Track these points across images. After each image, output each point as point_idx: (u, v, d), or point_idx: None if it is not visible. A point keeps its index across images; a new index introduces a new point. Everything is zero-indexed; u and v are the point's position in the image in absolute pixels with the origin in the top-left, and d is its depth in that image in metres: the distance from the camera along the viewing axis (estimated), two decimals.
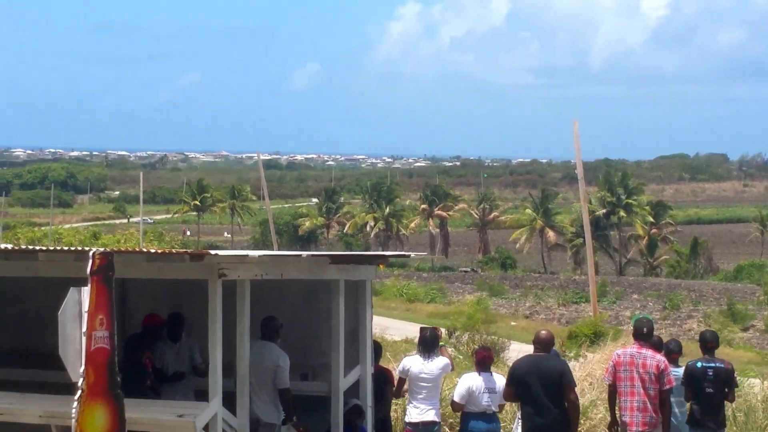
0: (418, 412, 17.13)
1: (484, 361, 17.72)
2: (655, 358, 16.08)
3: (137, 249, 21.23)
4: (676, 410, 17.05)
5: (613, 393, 16.35)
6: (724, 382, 16.62)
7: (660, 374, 15.93)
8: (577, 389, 17.32)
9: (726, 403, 17.17)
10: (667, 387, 16.08)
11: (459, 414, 17.95)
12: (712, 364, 16.66)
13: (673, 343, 18.51)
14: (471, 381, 16.94)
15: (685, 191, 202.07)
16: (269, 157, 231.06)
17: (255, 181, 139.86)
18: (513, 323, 69.01)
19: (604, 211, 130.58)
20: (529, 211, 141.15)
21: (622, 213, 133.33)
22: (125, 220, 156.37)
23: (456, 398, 17.02)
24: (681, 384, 16.94)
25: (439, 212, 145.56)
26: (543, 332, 17.51)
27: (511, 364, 17.39)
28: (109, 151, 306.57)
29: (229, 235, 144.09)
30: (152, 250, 17.93)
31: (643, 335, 16.69)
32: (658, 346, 16.99)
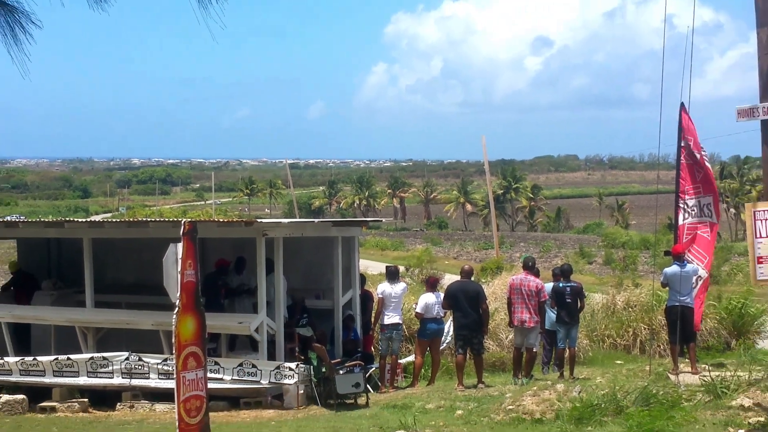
0: (388, 317, 17.62)
1: (434, 284, 18.00)
2: (535, 281, 16.87)
3: (212, 219, 21.24)
4: (551, 313, 16.92)
5: (510, 304, 16.28)
6: (577, 295, 17.16)
7: (538, 291, 16.65)
8: (488, 302, 17.10)
9: (579, 308, 16.81)
10: (544, 299, 16.13)
11: (418, 320, 17.54)
12: (570, 284, 17.26)
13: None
14: (427, 298, 17.68)
15: (551, 178, 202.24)
16: (293, 161, 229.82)
17: (284, 177, 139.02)
18: (446, 262, 68.52)
19: (502, 191, 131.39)
20: (455, 192, 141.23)
21: (512, 193, 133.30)
22: (203, 203, 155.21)
23: (418, 310, 17.79)
24: (551, 297, 16.67)
25: (400, 194, 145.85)
26: (466, 267, 18.26)
27: (446, 287, 17.24)
28: (192, 159, 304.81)
29: (269, 211, 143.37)
30: (220, 220, 18.29)
31: (528, 267, 17.71)
32: (537, 273, 17.13)
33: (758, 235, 12.14)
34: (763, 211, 12.14)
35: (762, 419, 12.40)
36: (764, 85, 12.11)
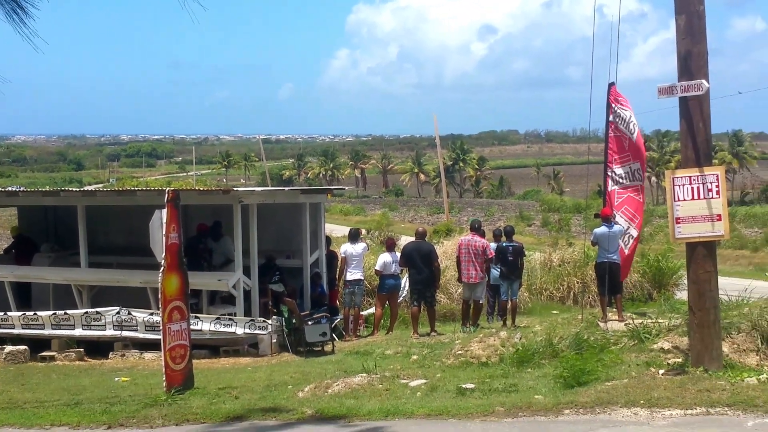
0: (351, 274, 17.63)
1: (391, 245, 17.96)
2: (481, 241, 16.99)
3: (193, 188, 21.10)
4: (494, 271, 16.97)
5: (459, 262, 16.30)
6: (519, 254, 17.29)
7: (484, 250, 16.77)
8: (439, 260, 17.15)
9: (519, 264, 16.91)
10: (489, 257, 16.11)
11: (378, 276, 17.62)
12: (511, 244, 17.39)
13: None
14: (385, 257, 17.80)
15: (495, 151, 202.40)
16: (265, 137, 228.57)
17: (257, 151, 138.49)
18: (402, 225, 68.68)
19: (451, 162, 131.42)
20: (410, 163, 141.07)
21: (461, 164, 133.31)
22: (185, 174, 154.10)
23: (377, 268, 17.88)
24: (495, 255, 16.77)
25: (360, 165, 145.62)
26: (419, 229, 18.20)
27: (402, 247, 17.28)
28: (175, 135, 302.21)
29: (243, 181, 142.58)
30: (201, 189, 18.14)
31: (475, 229, 17.70)
32: (483, 234, 17.08)
33: (676, 199, 12.24)
34: (681, 177, 12.23)
35: (679, 360, 12.54)
36: (681, 66, 12.17)
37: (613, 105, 16.88)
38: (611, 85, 16.89)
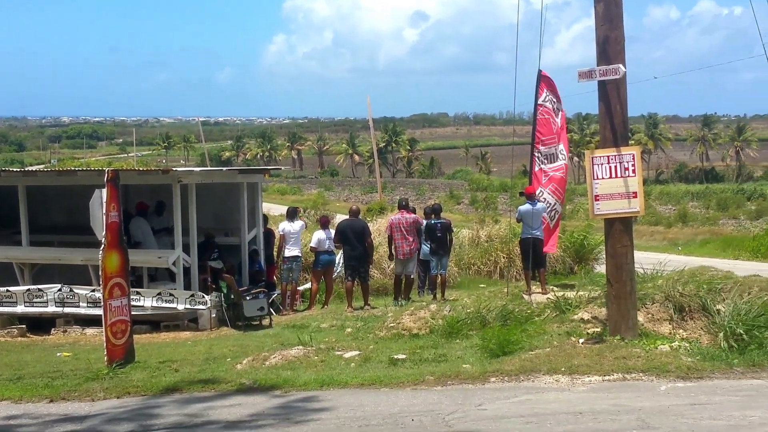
0: (288, 251, 17.70)
1: (326, 223, 17.99)
2: (411, 217, 17.42)
3: (133, 168, 20.79)
4: (425, 247, 17.04)
5: (390, 239, 16.45)
6: (446, 230, 17.43)
7: (414, 222, 17.30)
8: (372, 237, 17.21)
9: (448, 240, 16.98)
10: (421, 226, 16.69)
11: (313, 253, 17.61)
12: (440, 221, 17.44)
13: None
14: (320, 235, 17.79)
15: (426, 133, 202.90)
16: (204, 119, 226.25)
17: (197, 132, 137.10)
18: (337, 204, 68.59)
19: (384, 144, 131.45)
20: (344, 145, 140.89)
21: (393, 145, 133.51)
22: (125, 155, 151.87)
23: (313, 244, 17.97)
24: (425, 231, 16.91)
25: (297, 147, 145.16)
26: (353, 207, 18.25)
27: (337, 224, 17.27)
28: (115, 117, 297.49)
29: (183, 162, 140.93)
30: (141, 169, 17.78)
31: (403, 207, 18.08)
32: (413, 211, 17.05)
33: (595, 177, 12.39)
34: (600, 157, 12.40)
35: (598, 329, 12.73)
36: (600, 51, 12.30)
37: (544, 89, 17.03)
38: (541, 71, 17.02)
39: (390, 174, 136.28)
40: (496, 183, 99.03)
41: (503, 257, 22.95)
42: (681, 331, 12.65)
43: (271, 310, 17.56)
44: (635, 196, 12.28)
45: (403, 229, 17.78)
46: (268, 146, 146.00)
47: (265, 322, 16.95)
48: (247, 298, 16.89)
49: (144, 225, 17.89)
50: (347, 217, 18.65)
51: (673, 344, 11.83)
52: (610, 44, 12.17)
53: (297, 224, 19.03)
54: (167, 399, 10.55)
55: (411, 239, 17.77)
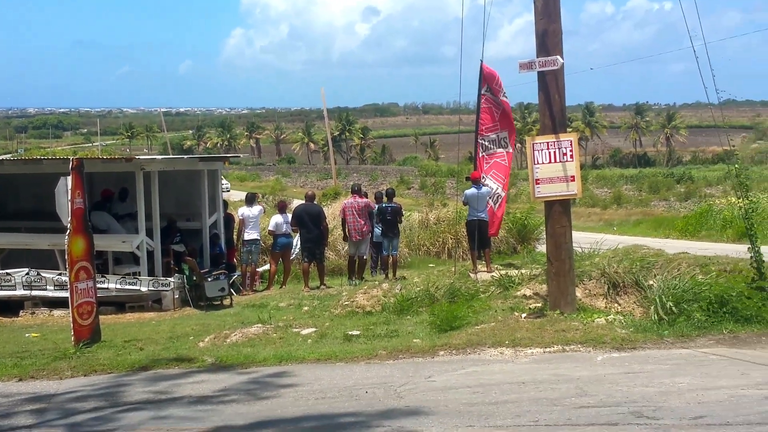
0: (248, 234, 17.75)
1: (283, 207, 17.96)
2: (363, 201, 17.65)
3: (97, 157, 20.52)
4: (377, 229, 17.05)
5: (344, 222, 16.48)
6: (397, 214, 17.56)
7: (366, 206, 17.18)
8: (327, 220, 17.22)
9: (399, 223, 17.06)
10: (372, 209, 17.54)
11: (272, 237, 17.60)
12: (391, 205, 17.43)
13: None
14: (277, 219, 17.87)
15: (377, 122, 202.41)
16: (166, 110, 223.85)
17: (159, 123, 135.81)
18: (294, 190, 68.43)
19: (338, 133, 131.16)
20: (301, 134, 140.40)
21: (347, 134, 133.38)
22: (90, 145, 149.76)
23: (271, 228, 18.02)
24: (377, 214, 16.95)
25: (255, 136, 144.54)
26: (309, 192, 18.24)
27: (294, 209, 17.24)
28: (80, 108, 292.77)
29: (146, 151, 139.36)
30: (105, 157, 17.53)
31: (355, 192, 18.17)
32: (365, 195, 17.17)
33: (536, 162, 12.49)
34: (540, 143, 12.49)
35: (539, 305, 12.86)
36: (539, 44, 12.38)
37: (488, 80, 17.09)
38: (483, 62, 17.07)
39: (344, 161, 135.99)
40: (444, 169, 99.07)
41: (451, 238, 23.01)
42: (616, 305, 12.84)
43: (232, 290, 17.48)
44: (573, 180, 12.40)
45: (355, 212, 17.80)
46: (228, 135, 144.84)
47: (226, 302, 16.87)
48: (209, 279, 16.80)
49: (106, 217, 17.64)
50: (303, 202, 18.63)
51: (608, 318, 12.01)
52: (548, 37, 12.26)
53: (256, 209, 19.00)
54: (134, 377, 10.48)
55: (362, 222, 17.78)
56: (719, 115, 13.91)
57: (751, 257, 12.64)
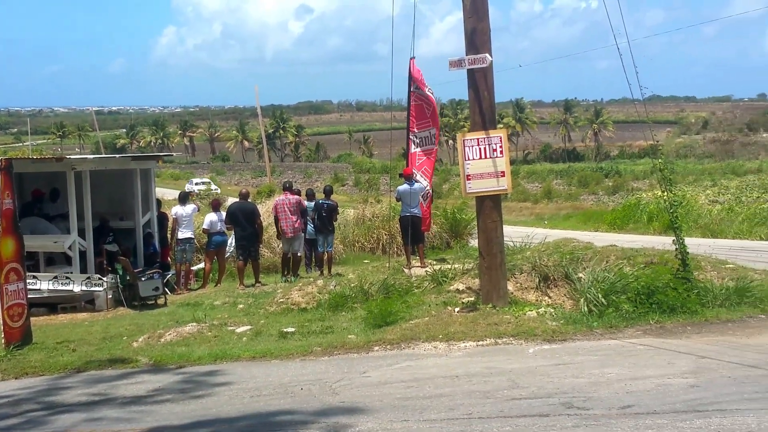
0: (182, 233, 17.58)
1: (217, 205, 17.81)
2: (294, 198, 17.83)
3: (27, 157, 20.03)
4: (310, 226, 16.98)
5: (276, 219, 16.37)
6: (333, 211, 17.65)
7: (297, 203, 17.23)
8: (261, 218, 17.09)
9: (334, 220, 17.08)
10: (304, 207, 17.47)
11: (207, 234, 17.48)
12: (327, 202, 17.49)
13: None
14: (211, 217, 17.76)
15: (311, 119, 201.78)
16: (98, 108, 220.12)
17: (91, 122, 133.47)
18: (229, 188, 67.81)
19: (272, 130, 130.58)
20: (235, 132, 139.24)
21: (281, 131, 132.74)
22: (20, 144, 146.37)
23: (205, 226, 17.91)
24: (313, 211, 16.89)
25: (189, 134, 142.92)
26: (242, 190, 18.20)
27: (228, 207, 17.12)
28: (9, 108, 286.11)
29: (78, 150, 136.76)
30: (35, 157, 17.15)
31: (287, 189, 18.24)
32: (297, 193, 17.23)
33: (467, 158, 12.57)
34: (470, 139, 12.57)
35: (472, 299, 12.94)
36: (468, 42, 12.45)
37: (416, 77, 17.15)
38: (411, 60, 17.11)
39: (279, 158, 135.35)
40: (378, 165, 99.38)
41: (385, 234, 23.06)
42: (547, 298, 12.99)
43: (166, 289, 17.29)
44: (503, 175, 12.51)
45: (287, 209, 17.76)
46: (161, 134, 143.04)
47: (161, 301, 16.66)
48: (142, 278, 16.57)
49: (36, 221, 17.28)
50: (237, 200, 18.51)
51: (539, 310, 12.14)
52: (477, 35, 12.33)
53: (189, 207, 18.79)
54: (67, 379, 10.29)
55: (294, 219, 17.72)
56: (643, 111, 14.14)
57: (676, 249, 12.90)
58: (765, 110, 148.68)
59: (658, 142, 15.51)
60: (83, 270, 16.79)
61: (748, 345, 10.21)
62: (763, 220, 28.84)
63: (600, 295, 12.16)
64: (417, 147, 17.44)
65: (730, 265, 14.91)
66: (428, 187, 17.59)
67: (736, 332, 11.06)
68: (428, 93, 17.14)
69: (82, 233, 16.94)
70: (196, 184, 67.00)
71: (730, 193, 49.40)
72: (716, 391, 7.96)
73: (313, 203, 18.83)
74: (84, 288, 16.23)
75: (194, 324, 13.23)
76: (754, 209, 32.07)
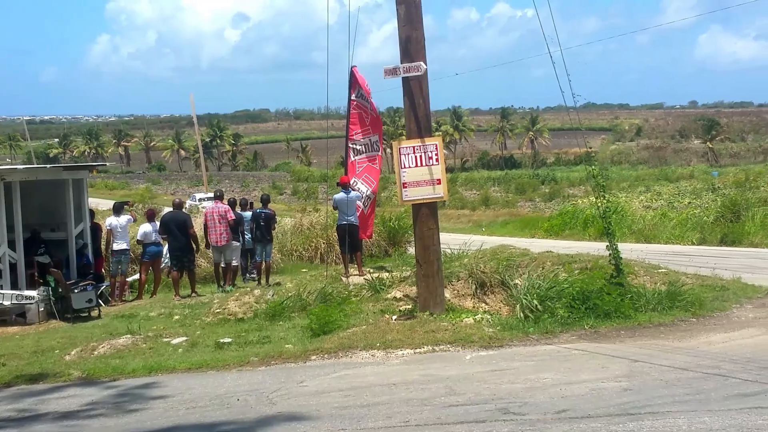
0: (117, 244, 17.32)
1: (151, 215, 17.54)
2: (223, 207, 18.15)
3: None
4: (247, 235, 16.93)
5: (206, 228, 16.31)
6: (271, 220, 17.62)
7: (225, 213, 17.12)
8: (194, 228, 16.95)
9: (271, 229, 17.06)
10: (231, 219, 17.45)
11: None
12: (264, 211, 17.46)
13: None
14: (146, 227, 17.76)
15: (249, 128, 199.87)
16: (29, 118, 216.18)
17: (22, 131, 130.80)
18: (165, 197, 67.06)
19: (209, 139, 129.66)
20: (171, 141, 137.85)
21: (218, 140, 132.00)
22: None
23: (139, 237, 17.98)
24: (251, 220, 16.83)
25: (124, 143, 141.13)
26: (176, 200, 18.39)
27: (161, 216, 16.93)
28: None
29: (9, 161, 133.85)
30: None
31: (218, 197, 18.17)
32: (232, 203, 17.39)
33: (403, 166, 12.62)
34: (406, 147, 12.62)
35: (410, 306, 12.98)
36: (403, 50, 12.50)
37: (358, 85, 17.17)
38: (353, 68, 17.14)
39: (216, 167, 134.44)
40: (316, 174, 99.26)
41: (323, 243, 22.99)
42: (483, 304, 13.09)
43: (100, 301, 17.01)
44: (439, 183, 12.58)
45: (215, 218, 17.75)
46: (95, 143, 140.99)
47: (94, 313, 16.38)
48: (75, 290, 16.27)
49: None
50: (171, 209, 18.37)
51: (476, 317, 12.22)
52: (411, 43, 12.39)
53: (123, 218, 18.51)
54: None
55: (221, 228, 17.67)
56: (576, 119, 14.37)
57: (610, 254, 13.14)
58: (696, 117, 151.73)
59: (591, 149, 15.79)
60: (14, 282, 16.46)
61: (680, 348, 10.42)
62: (695, 225, 29.50)
63: (536, 301, 12.30)
64: (357, 155, 17.47)
65: (663, 270, 15.21)
66: (370, 193, 17.66)
67: (668, 336, 11.28)
68: (371, 100, 17.21)
69: (12, 245, 16.63)
70: (200, 200, 52.61)
71: (663, 199, 50.31)
72: (648, 394, 8.10)
73: (249, 213, 18.73)
74: (14, 301, 15.87)
75: (129, 336, 13.04)
76: (686, 215, 32.75)
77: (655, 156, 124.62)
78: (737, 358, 9.59)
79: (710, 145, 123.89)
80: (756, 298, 13.95)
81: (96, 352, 12.23)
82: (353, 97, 17.31)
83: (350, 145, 17.51)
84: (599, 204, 13.90)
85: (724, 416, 7.14)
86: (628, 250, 17.36)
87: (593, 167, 14.22)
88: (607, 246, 13.24)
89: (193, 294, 17.43)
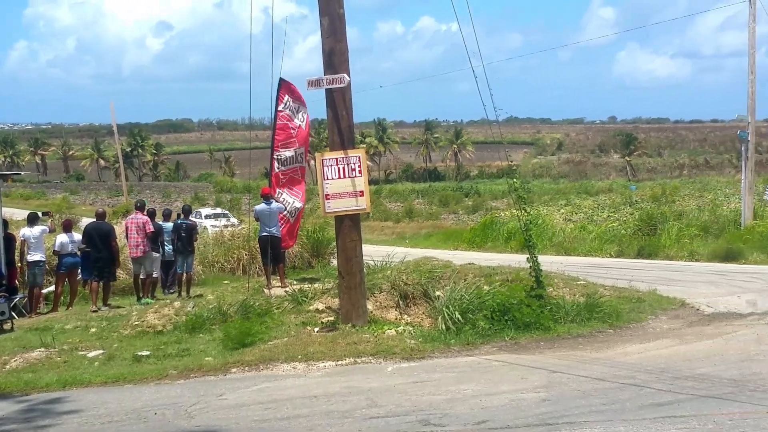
0: (31, 256, 16.98)
1: (68, 226, 17.16)
2: (143, 219, 17.82)
3: None
4: (168, 246, 16.74)
5: (128, 239, 16.08)
6: (191, 230, 17.24)
7: (144, 225, 16.78)
8: (117, 239, 16.69)
9: (193, 241, 16.92)
10: (149, 231, 17.32)
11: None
12: (186, 222, 17.23)
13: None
14: (62, 238, 17.39)
15: (171, 138, 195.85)
16: None
17: None
18: (83, 208, 65.85)
19: (130, 149, 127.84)
20: (90, 150, 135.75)
21: (139, 150, 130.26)
22: None
23: (55, 248, 17.58)
24: (172, 231, 16.64)
25: (41, 152, 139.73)
26: (99, 210, 18.04)
27: (84, 227, 16.65)
28: None
29: None
30: None
31: (138, 208, 18.23)
32: (146, 212, 17.54)
33: (326, 178, 12.63)
34: (329, 159, 12.64)
35: (332, 318, 12.97)
36: (326, 61, 12.53)
37: (285, 96, 17.11)
38: (281, 79, 17.07)
39: (137, 178, 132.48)
40: (239, 185, 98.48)
41: (245, 254, 22.81)
42: (406, 316, 13.15)
43: (14, 314, 16.54)
44: (362, 195, 12.62)
45: (135, 228, 17.54)
46: (11, 152, 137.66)
47: (6, 326, 15.89)
48: None
49: None
50: (94, 220, 18.02)
51: (398, 329, 12.27)
52: (335, 55, 12.42)
53: (38, 229, 18.05)
54: None
55: (139, 239, 17.44)
56: (499, 132, 14.56)
57: (530, 267, 13.33)
58: (615, 132, 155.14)
59: (513, 162, 16.01)
60: None
61: (597, 359, 10.62)
62: (613, 238, 30.19)
63: (457, 313, 12.41)
64: (282, 166, 17.40)
65: (582, 282, 15.49)
66: (298, 203, 17.65)
67: (586, 347, 11.49)
68: (306, 114, 17.20)
69: None
70: (207, 217, 44.81)
71: (582, 212, 51.33)
72: (566, 405, 8.22)
73: (171, 223, 18.48)
74: None
75: (43, 349, 12.72)
76: (605, 227, 33.51)
77: (576, 170, 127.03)
78: (652, 369, 9.82)
79: (628, 160, 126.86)
80: (670, 310, 14.34)
81: (8, 366, 11.89)
82: (280, 108, 17.24)
83: (275, 156, 17.43)
84: (521, 216, 14.11)
85: (638, 425, 7.30)
86: (549, 262, 17.64)
87: (515, 180, 14.45)
88: (527, 258, 13.44)
89: (106, 306, 17.10)
